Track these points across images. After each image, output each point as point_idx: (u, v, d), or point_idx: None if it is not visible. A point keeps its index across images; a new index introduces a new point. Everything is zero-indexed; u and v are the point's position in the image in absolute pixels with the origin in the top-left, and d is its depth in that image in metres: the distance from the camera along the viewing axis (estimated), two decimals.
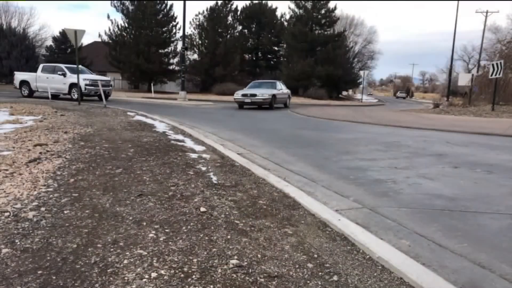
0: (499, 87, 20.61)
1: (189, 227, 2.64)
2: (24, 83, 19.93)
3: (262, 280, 1.98)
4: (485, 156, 6.19)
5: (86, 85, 17.69)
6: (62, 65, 19.23)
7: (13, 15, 45.66)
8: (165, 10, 35.12)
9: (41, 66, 20.03)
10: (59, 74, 18.29)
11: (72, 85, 17.77)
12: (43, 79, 18.92)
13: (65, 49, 42.57)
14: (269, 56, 47.39)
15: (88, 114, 10.65)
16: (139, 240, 2.39)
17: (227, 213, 2.96)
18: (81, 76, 17.63)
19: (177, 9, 51.39)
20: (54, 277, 1.92)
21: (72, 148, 5.27)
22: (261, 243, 2.44)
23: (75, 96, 17.06)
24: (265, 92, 18.03)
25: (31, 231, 2.45)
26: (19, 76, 20.48)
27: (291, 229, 2.71)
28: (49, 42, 44.99)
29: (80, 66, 21.38)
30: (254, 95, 17.80)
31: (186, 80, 26.12)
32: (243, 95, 18.00)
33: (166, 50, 35.96)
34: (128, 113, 11.68)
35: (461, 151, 6.68)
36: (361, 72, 44.31)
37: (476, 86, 25.17)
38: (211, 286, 1.89)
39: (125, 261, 2.10)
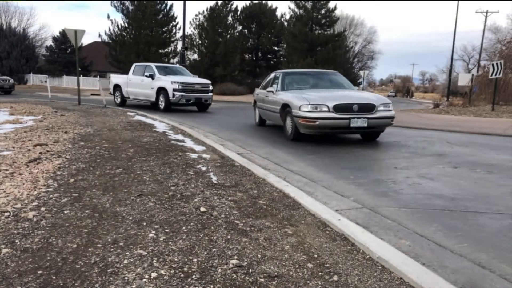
0: (499, 87, 20.58)
1: (189, 227, 2.64)
2: (117, 88, 15.67)
3: (262, 280, 1.98)
4: (485, 156, 6.18)
5: (174, 90, 13.03)
6: (153, 64, 14.64)
7: (13, 15, 45.86)
8: (165, 10, 35.11)
9: (133, 66, 15.41)
10: (147, 76, 13.86)
11: (160, 90, 13.49)
12: (133, 83, 14.69)
13: (65, 49, 42.64)
14: (269, 56, 47.36)
15: (88, 114, 10.65)
16: (139, 240, 2.39)
17: (227, 213, 2.96)
18: (170, 78, 13.46)
19: (177, 9, 51.70)
20: (54, 277, 1.92)
21: (72, 148, 5.28)
22: (261, 243, 2.44)
23: (162, 105, 13.43)
24: (377, 100, 7.65)
25: (31, 231, 2.45)
26: (113, 79, 16.06)
27: (291, 229, 2.71)
28: (49, 42, 45.09)
29: (176, 65, 16.99)
30: (369, 108, 7.06)
31: None
32: (340, 107, 6.69)
33: (166, 50, 35.94)
34: (128, 113, 11.68)
35: (461, 151, 6.68)
36: (361, 72, 44.31)
37: (476, 86, 25.14)
38: (211, 286, 1.89)
39: (125, 261, 2.10)
